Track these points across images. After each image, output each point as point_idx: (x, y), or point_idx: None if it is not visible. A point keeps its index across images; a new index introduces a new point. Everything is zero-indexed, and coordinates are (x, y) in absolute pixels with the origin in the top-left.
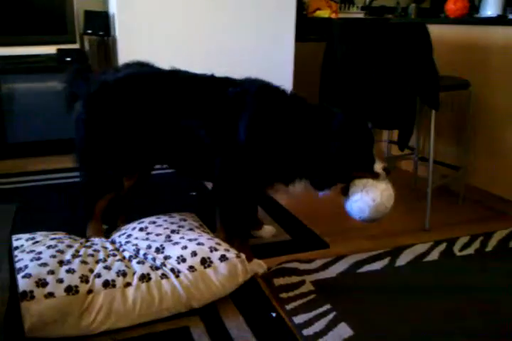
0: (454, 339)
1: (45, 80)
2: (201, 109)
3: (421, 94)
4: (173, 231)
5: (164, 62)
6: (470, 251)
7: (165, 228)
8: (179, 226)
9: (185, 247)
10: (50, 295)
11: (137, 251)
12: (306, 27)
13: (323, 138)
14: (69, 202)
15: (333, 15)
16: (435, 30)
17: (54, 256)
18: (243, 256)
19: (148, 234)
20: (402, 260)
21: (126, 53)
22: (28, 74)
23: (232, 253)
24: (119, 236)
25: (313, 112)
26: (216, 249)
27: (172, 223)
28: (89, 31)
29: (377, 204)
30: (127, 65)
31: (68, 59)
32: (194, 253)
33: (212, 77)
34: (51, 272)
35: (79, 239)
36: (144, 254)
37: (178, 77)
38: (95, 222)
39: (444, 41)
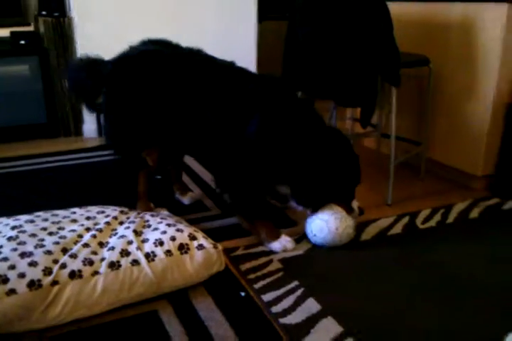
0: (419, 310)
1: None
2: (213, 97)
3: (382, 71)
4: (152, 215)
5: (122, 42)
6: (432, 223)
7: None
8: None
9: (164, 232)
10: (12, 291)
11: (115, 233)
12: (268, 5)
13: (320, 159)
14: (31, 188)
15: None
16: (395, 8)
17: (15, 250)
18: (220, 246)
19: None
20: (367, 234)
21: (83, 34)
22: None
23: (209, 243)
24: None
25: (320, 133)
26: (195, 237)
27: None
28: (44, 12)
29: (336, 234)
30: (143, 43)
31: (22, 42)
32: (173, 238)
33: (227, 63)
34: (12, 267)
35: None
36: (121, 236)
37: (189, 57)
38: (143, 201)
39: (404, 18)
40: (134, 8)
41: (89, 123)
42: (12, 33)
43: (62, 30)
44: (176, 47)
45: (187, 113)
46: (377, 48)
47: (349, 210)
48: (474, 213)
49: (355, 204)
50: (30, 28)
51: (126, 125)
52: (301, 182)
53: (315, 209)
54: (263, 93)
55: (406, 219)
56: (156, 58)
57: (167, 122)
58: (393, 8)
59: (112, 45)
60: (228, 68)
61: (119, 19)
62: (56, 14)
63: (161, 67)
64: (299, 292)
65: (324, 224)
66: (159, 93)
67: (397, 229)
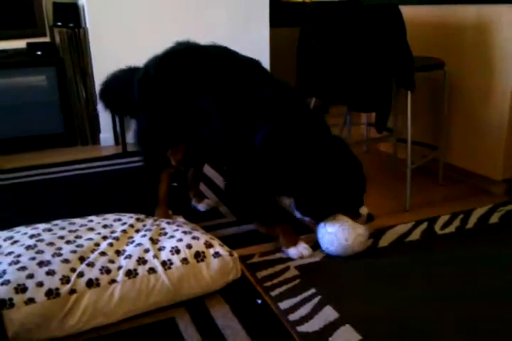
0: (439, 317)
1: (15, 75)
2: (226, 99)
3: (396, 75)
4: (168, 223)
5: (136, 52)
6: (451, 229)
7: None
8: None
9: (180, 240)
10: (31, 301)
11: (131, 241)
12: (280, 12)
13: (322, 169)
14: (49, 197)
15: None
16: (408, 11)
17: (33, 258)
18: (235, 254)
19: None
20: (385, 241)
21: (98, 45)
22: None
23: (225, 251)
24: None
25: (327, 144)
26: (211, 245)
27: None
28: (59, 23)
29: (348, 245)
30: (172, 46)
31: (39, 53)
32: (189, 246)
33: (251, 63)
34: (30, 276)
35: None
36: (138, 244)
37: (213, 55)
38: (162, 206)
39: (418, 22)
40: (147, 18)
41: (106, 132)
42: (28, 44)
43: (78, 41)
44: (202, 47)
45: (203, 113)
46: (391, 53)
47: (356, 216)
48: (494, 218)
49: (364, 210)
50: (46, 39)
51: (156, 121)
52: (304, 192)
53: (320, 219)
54: (274, 102)
55: (424, 225)
56: (180, 58)
57: (190, 119)
58: (406, 11)
59: (127, 55)
60: (249, 70)
61: (133, 29)
62: (71, 25)
63: (186, 67)
64: (316, 300)
65: (334, 237)
66: (183, 91)
67: (416, 235)
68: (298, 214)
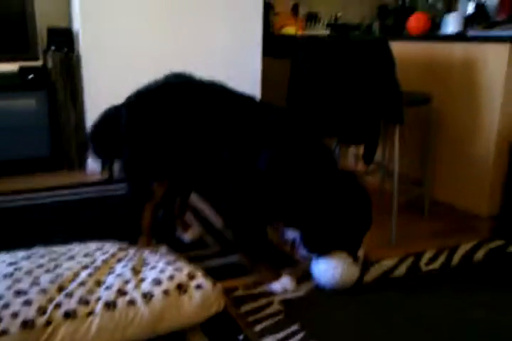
0: None
1: (6, 98)
2: (226, 128)
3: (385, 109)
4: (151, 253)
5: (129, 78)
6: (435, 265)
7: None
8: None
9: (162, 271)
10: (4, 332)
11: (112, 272)
12: (273, 44)
13: (336, 203)
14: (31, 223)
15: (299, 32)
16: (398, 47)
17: (9, 287)
18: (219, 286)
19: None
20: (370, 276)
21: (91, 70)
22: None
23: (209, 283)
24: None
25: (335, 174)
26: (194, 277)
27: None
28: (53, 48)
29: (340, 280)
30: (166, 76)
31: (30, 76)
32: (171, 278)
33: (247, 97)
34: (6, 306)
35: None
36: (119, 275)
37: (210, 91)
38: (145, 236)
39: (407, 57)
40: (141, 46)
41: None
42: (21, 67)
43: (70, 66)
44: (196, 81)
45: (201, 144)
46: (380, 87)
47: (355, 258)
48: (479, 255)
49: (361, 252)
50: (39, 63)
51: (141, 153)
52: (313, 225)
53: (325, 253)
54: (278, 125)
55: (410, 261)
56: (175, 90)
57: (180, 152)
58: (396, 47)
59: (118, 81)
60: (247, 101)
61: (126, 56)
62: (65, 50)
63: (179, 99)
64: (300, 336)
65: (331, 269)
66: (176, 124)
67: (401, 271)
68: (302, 252)
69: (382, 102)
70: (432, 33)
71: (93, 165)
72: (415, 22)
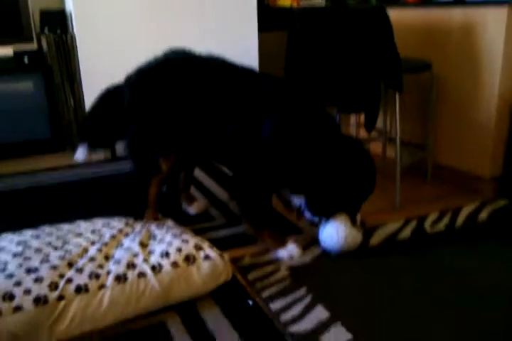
0: (429, 315)
1: (3, 82)
2: (229, 99)
3: (384, 77)
4: (157, 226)
5: (124, 58)
6: (440, 227)
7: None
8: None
9: (170, 243)
10: (18, 308)
11: (120, 246)
12: (268, 17)
13: (339, 167)
14: (36, 203)
15: (295, 4)
16: (396, 14)
17: (20, 265)
18: (226, 256)
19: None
20: (375, 240)
21: (86, 51)
22: None
23: (216, 253)
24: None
25: (342, 139)
26: (201, 248)
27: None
28: (46, 30)
29: (345, 243)
30: (165, 53)
31: (26, 59)
32: (179, 249)
33: (248, 69)
34: (18, 283)
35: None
36: (127, 248)
37: (210, 65)
38: (151, 210)
39: (405, 25)
40: (135, 25)
41: None
42: (15, 50)
43: (65, 47)
44: (195, 55)
45: (204, 116)
46: (379, 54)
47: (353, 222)
48: (483, 216)
49: (357, 217)
50: (33, 46)
51: (147, 130)
52: (318, 190)
53: (329, 216)
54: (280, 94)
55: (414, 223)
56: (175, 66)
57: (185, 126)
58: (393, 14)
59: (114, 61)
60: (248, 72)
61: (120, 35)
62: (58, 31)
63: (180, 74)
64: (307, 299)
65: (335, 232)
66: (179, 99)
67: (406, 233)
68: (308, 215)
69: (382, 70)
70: None
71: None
72: None
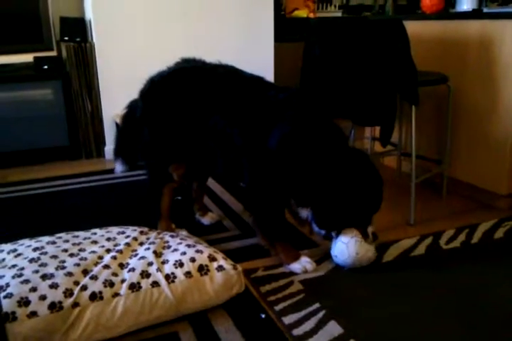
0: (443, 333)
1: (22, 89)
2: (236, 109)
3: (400, 90)
4: (172, 236)
5: (142, 66)
6: (456, 244)
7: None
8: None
9: (184, 253)
10: (33, 314)
11: (135, 254)
12: (285, 27)
13: (347, 180)
14: (53, 210)
15: (311, 15)
16: (412, 27)
17: (37, 271)
18: (239, 268)
19: (148, 238)
20: (389, 255)
21: (104, 59)
22: (5, 83)
23: (229, 264)
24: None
25: (346, 153)
26: (215, 258)
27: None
28: (66, 38)
29: (356, 258)
30: (177, 63)
31: (45, 67)
32: (192, 260)
33: (257, 77)
34: (33, 289)
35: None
36: (142, 257)
37: (219, 74)
38: (164, 220)
39: (422, 37)
40: (153, 34)
41: (111, 145)
42: (35, 58)
43: (84, 55)
44: (206, 64)
45: (213, 126)
46: (395, 67)
47: (365, 236)
48: (499, 233)
49: (369, 229)
50: (53, 53)
51: (158, 138)
52: (324, 203)
53: (333, 231)
54: (286, 104)
55: (429, 240)
56: (185, 75)
57: (195, 135)
58: (410, 26)
59: (132, 70)
60: (257, 81)
61: (138, 44)
62: (78, 39)
63: (189, 83)
64: (321, 314)
65: (345, 247)
66: (188, 108)
67: (420, 250)
68: (315, 228)
69: (398, 83)
70: (447, 10)
71: (111, 152)
72: (429, 0)
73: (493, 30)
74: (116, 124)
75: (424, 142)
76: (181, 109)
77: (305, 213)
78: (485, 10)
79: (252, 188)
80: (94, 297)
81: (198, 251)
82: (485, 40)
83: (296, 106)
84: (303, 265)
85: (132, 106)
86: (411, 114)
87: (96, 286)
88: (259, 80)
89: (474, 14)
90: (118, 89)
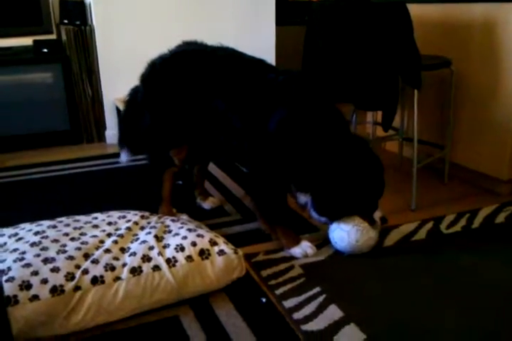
0: (444, 316)
1: (22, 72)
2: (237, 92)
3: (403, 73)
4: (173, 220)
5: (142, 49)
6: (457, 228)
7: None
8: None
9: (185, 237)
10: (35, 297)
11: (136, 239)
12: (286, 11)
13: (345, 167)
14: (53, 194)
15: None
16: (415, 10)
17: (38, 255)
18: (240, 252)
19: (149, 223)
20: (390, 240)
21: (104, 42)
22: (5, 66)
23: (230, 249)
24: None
25: (347, 140)
26: (216, 243)
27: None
28: (66, 21)
29: (357, 246)
30: (178, 46)
31: (45, 50)
32: (193, 244)
33: (257, 60)
34: (35, 273)
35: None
36: (143, 241)
37: (221, 57)
38: (166, 204)
39: (425, 20)
40: (153, 16)
41: (112, 129)
42: (35, 41)
43: (84, 38)
44: (207, 47)
45: (213, 109)
46: (398, 50)
47: (371, 222)
48: (500, 218)
49: (377, 214)
50: (53, 37)
51: (158, 122)
52: (323, 189)
53: (336, 219)
54: (286, 86)
55: (430, 225)
56: (186, 59)
57: (196, 119)
58: (413, 9)
59: (132, 53)
60: (257, 64)
61: (138, 27)
62: (77, 23)
63: (190, 66)
64: (321, 298)
65: (345, 235)
66: (189, 91)
67: (421, 234)
68: (314, 214)
69: (401, 66)
70: None
71: (112, 136)
72: None
73: (497, 13)
74: (117, 109)
75: (426, 127)
76: (182, 92)
77: (303, 199)
78: None
79: (253, 172)
80: (96, 281)
81: (199, 236)
82: (488, 24)
83: (296, 89)
84: (303, 249)
85: (134, 93)
86: (413, 98)
87: (97, 270)
88: (260, 62)
89: None
90: (118, 73)
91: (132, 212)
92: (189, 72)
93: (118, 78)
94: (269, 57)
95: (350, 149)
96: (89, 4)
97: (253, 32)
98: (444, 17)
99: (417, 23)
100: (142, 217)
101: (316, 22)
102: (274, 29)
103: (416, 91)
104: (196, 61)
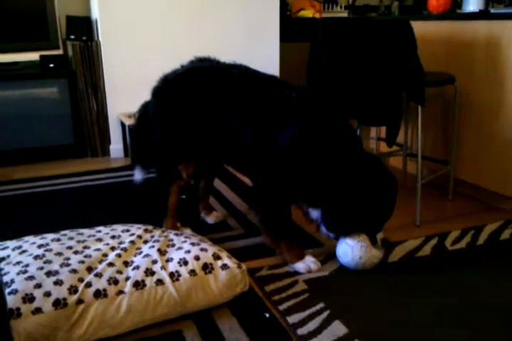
0: (448, 333)
1: (28, 87)
2: (250, 109)
3: (407, 90)
4: (176, 234)
5: (148, 65)
6: (462, 245)
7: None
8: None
9: (188, 251)
10: (38, 310)
11: (139, 252)
12: (291, 27)
13: (361, 185)
14: (58, 207)
15: (317, 15)
16: (419, 27)
17: (41, 268)
18: (244, 266)
19: (152, 236)
20: (395, 256)
21: (110, 58)
22: (11, 81)
23: (233, 263)
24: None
25: (359, 155)
26: (219, 257)
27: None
28: (72, 36)
29: (360, 262)
30: (191, 61)
31: (51, 65)
32: (197, 258)
33: (270, 77)
34: (38, 286)
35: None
36: (146, 255)
37: (233, 73)
38: (170, 218)
39: (429, 37)
40: (160, 33)
41: (116, 144)
42: (41, 56)
43: (90, 54)
44: (220, 64)
45: (225, 125)
46: (401, 67)
47: (373, 242)
48: (506, 234)
49: (379, 235)
50: (59, 52)
51: (168, 136)
52: (334, 206)
53: (343, 235)
54: (299, 103)
55: (435, 241)
56: (198, 74)
57: (207, 134)
58: (417, 26)
59: (138, 68)
60: (270, 81)
61: (144, 43)
62: (84, 38)
63: (202, 82)
64: (325, 314)
65: (349, 250)
66: (201, 107)
67: (426, 250)
68: (324, 230)
69: (405, 82)
70: (454, 11)
71: (116, 151)
72: (436, 1)
73: (501, 31)
74: (122, 123)
75: (430, 143)
76: (194, 107)
77: (315, 214)
78: (492, 11)
79: (260, 186)
80: (99, 294)
81: (202, 250)
82: (492, 41)
83: (309, 105)
84: (307, 264)
85: (144, 108)
86: (417, 114)
87: (100, 284)
88: (273, 79)
89: (482, 15)
90: (124, 88)
91: (136, 226)
92: (202, 87)
93: (123, 93)
94: (274, 73)
95: (364, 166)
96: (96, 20)
97: (258, 48)
98: (448, 34)
99: (422, 40)
100: (146, 230)
101: (319, 39)
102: (279, 45)
103: (420, 107)
104: (210, 77)
